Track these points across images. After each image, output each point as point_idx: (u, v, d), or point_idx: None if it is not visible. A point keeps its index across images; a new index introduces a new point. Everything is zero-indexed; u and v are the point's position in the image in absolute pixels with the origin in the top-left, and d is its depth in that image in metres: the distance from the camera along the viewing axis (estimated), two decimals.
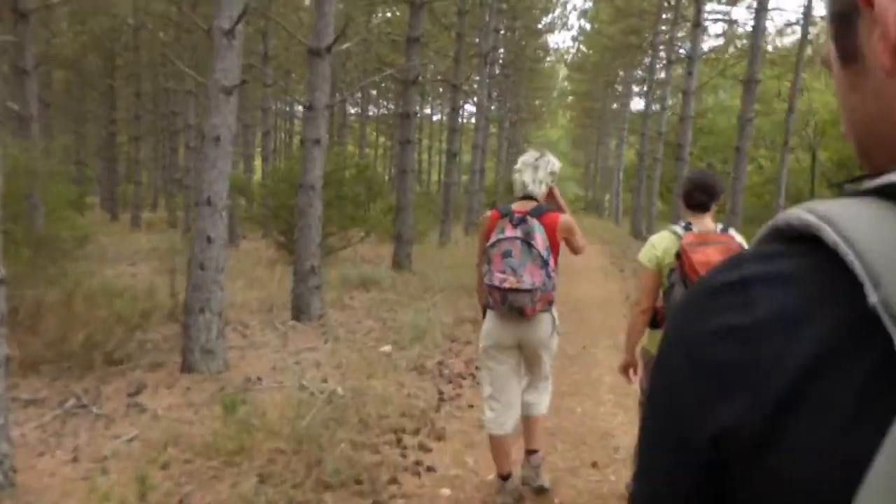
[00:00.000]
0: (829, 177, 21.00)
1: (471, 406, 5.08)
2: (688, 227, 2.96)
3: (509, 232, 3.13)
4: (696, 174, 3.22)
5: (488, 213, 3.39)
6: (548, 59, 35.80)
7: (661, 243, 3.04)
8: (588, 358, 6.80)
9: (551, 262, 3.16)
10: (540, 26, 28.48)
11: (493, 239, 3.17)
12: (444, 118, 38.32)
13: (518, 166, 3.39)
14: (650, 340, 3.23)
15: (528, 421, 3.62)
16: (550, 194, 3.43)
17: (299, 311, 7.31)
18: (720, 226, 3.02)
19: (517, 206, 3.27)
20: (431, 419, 4.76)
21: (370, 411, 4.68)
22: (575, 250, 3.41)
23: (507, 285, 3.06)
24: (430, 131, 42.04)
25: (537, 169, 3.32)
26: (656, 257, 3.03)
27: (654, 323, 3.12)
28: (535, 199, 3.30)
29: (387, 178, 29.10)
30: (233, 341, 6.44)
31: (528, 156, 3.43)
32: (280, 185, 12.25)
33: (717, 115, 24.18)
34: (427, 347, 6.61)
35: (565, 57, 40.35)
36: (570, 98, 42.82)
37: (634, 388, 3.66)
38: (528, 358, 3.46)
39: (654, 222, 19.85)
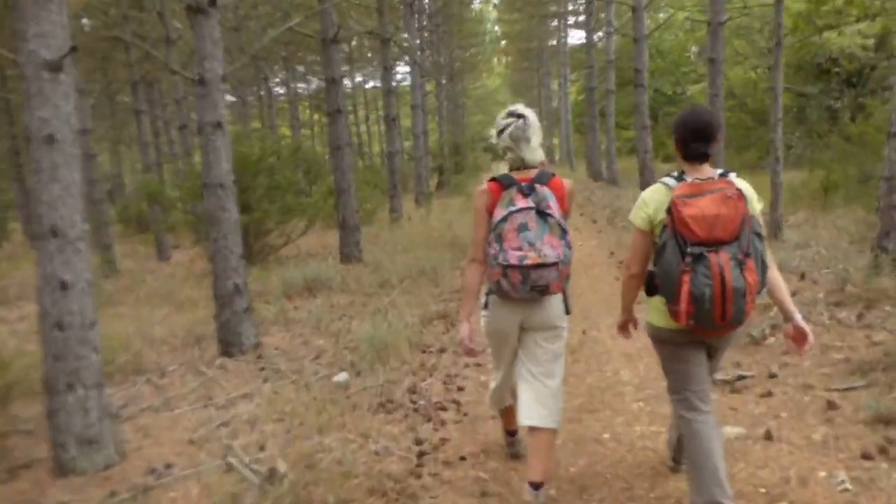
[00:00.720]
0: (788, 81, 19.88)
1: (462, 458, 3.71)
2: (680, 178, 2.64)
3: (521, 202, 2.80)
4: (688, 116, 2.70)
5: (484, 185, 2.98)
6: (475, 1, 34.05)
7: (652, 199, 2.69)
8: (595, 347, 5.48)
9: (569, 230, 2.86)
10: None
11: (501, 214, 2.81)
12: (378, 82, 36.53)
13: (506, 141, 2.97)
14: (652, 311, 2.77)
15: (533, 436, 2.98)
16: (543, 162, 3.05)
17: (228, 344, 5.81)
18: (719, 171, 2.63)
19: (518, 175, 2.93)
20: (411, 493, 3.38)
21: (325, 497, 3.28)
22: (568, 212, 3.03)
23: (529, 261, 2.72)
24: (366, 100, 40.07)
25: (530, 140, 2.95)
26: (647, 216, 2.68)
27: (650, 289, 2.70)
28: (534, 166, 2.96)
29: (327, 157, 27.30)
30: (144, 401, 4.94)
31: (513, 125, 2.95)
32: (197, 183, 10.57)
33: (662, 32, 22.84)
34: (393, 368, 5.20)
35: (493, 0, 38.64)
36: (504, 42, 41.10)
37: (663, 385, 3.03)
38: (530, 346, 3.02)
39: (615, 160, 18.54)
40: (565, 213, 2.91)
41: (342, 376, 5.04)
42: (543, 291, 2.80)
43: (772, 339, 4.93)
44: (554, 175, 2.96)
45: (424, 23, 24.17)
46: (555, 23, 34.20)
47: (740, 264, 2.36)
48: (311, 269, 9.26)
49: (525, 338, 3.03)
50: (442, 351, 5.66)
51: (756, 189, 2.69)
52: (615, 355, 5.19)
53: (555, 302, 2.96)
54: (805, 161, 16.14)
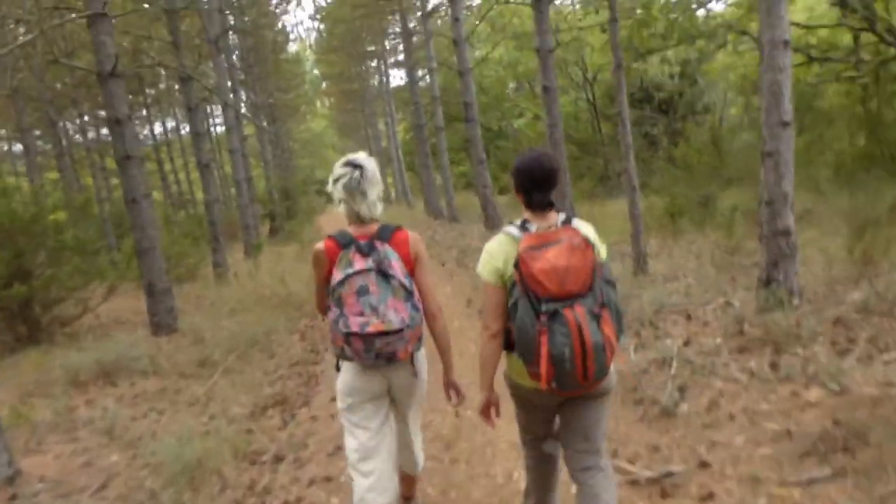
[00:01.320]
0: (605, 113, 20.55)
1: None
2: (524, 227, 2.44)
3: (359, 264, 2.57)
4: (528, 163, 2.48)
5: (320, 244, 2.72)
6: (290, 42, 32.85)
7: (499, 252, 2.46)
8: (474, 437, 4.40)
9: (415, 291, 2.64)
10: (272, 6, 25.43)
11: (339, 276, 2.57)
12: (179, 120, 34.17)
13: (340, 194, 2.72)
14: (509, 366, 2.58)
15: (404, 477, 3.15)
16: None
17: None
18: (561, 216, 2.46)
19: (356, 231, 2.70)
20: None
21: None
22: (424, 294, 2.75)
23: (371, 329, 2.52)
24: (182, 146, 37.25)
25: (366, 193, 2.71)
26: (496, 269, 2.45)
27: (508, 344, 2.47)
28: (372, 220, 2.75)
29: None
30: None
31: (347, 177, 2.70)
32: None
33: (482, 69, 22.93)
34: (209, 497, 3.84)
35: (309, 42, 37.65)
36: (325, 84, 40.13)
37: None
38: (398, 409, 2.94)
39: (454, 196, 17.98)
40: (412, 269, 2.70)
41: None
42: (391, 359, 2.62)
43: (685, 407, 4.10)
44: (398, 229, 2.74)
45: (236, 62, 22.64)
46: (374, 63, 33.79)
47: (596, 318, 2.24)
48: (111, 347, 7.52)
49: (394, 411, 2.95)
50: (279, 460, 4.35)
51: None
52: (503, 447, 4.16)
53: (417, 363, 2.83)
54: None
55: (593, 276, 2.27)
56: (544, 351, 2.19)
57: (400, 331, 2.54)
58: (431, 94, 17.88)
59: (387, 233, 2.69)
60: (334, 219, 36.43)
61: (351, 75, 34.41)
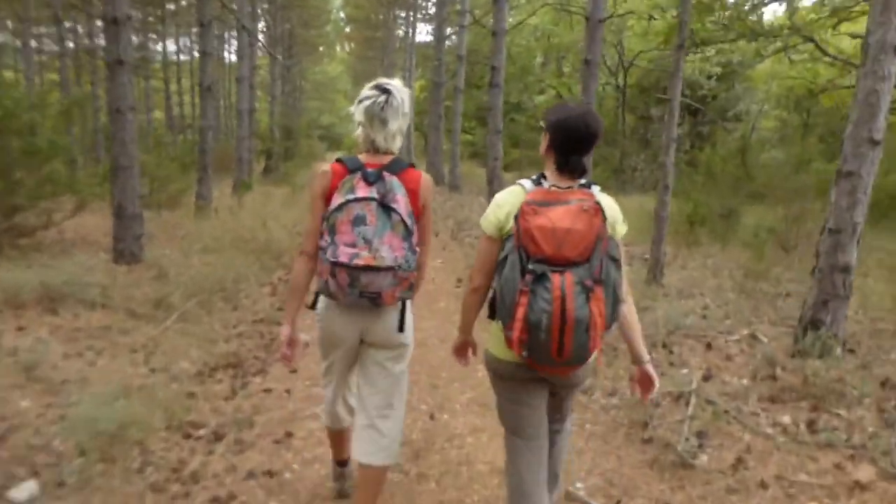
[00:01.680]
0: (631, 104, 19.71)
1: None
2: (538, 181, 2.22)
3: (362, 191, 2.34)
4: (570, 117, 2.20)
5: (326, 166, 2.50)
6: None
7: (506, 202, 2.24)
8: (449, 451, 3.74)
9: (415, 232, 2.40)
10: None
11: (338, 201, 2.35)
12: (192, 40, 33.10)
13: (360, 116, 2.47)
14: (492, 338, 2.35)
15: (363, 471, 2.62)
16: None
17: None
18: (581, 181, 2.22)
19: (367, 159, 2.48)
20: None
21: None
22: (422, 239, 2.51)
23: (359, 262, 2.29)
24: (191, 69, 36.06)
25: (386, 122, 2.46)
26: (498, 221, 2.24)
27: (492, 310, 2.25)
28: (388, 152, 2.52)
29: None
30: None
31: (371, 100, 2.44)
32: None
33: (514, 36, 21.93)
34: (125, 472, 3.17)
35: None
36: (349, 28, 38.88)
37: None
38: (368, 366, 2.64)
39: (459, 164, 17.17)
40: (417, 213, 2.46)
41: (25, 491, 2.94)
42: (375, 300, 2.38)
43: (704, 459, 3.43)
44: (411, 166, 2.51)
45: None
46: (402, 14, 32.64)
47: (587, 290, 1.98)
48: (63, 269, 6.81)
49: (364, 355, 2.65)
50: (218, 438, 3.67)
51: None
52: (480, 466, 3.49)
53: (398, 314, 2.55)
54: (650, 185, 15.70)
55: (595, 246, 2.02)
56: (521, 313, 2.00)
57: (391, 269, 2.31)
58: (457, 53, 16.94)
59: (399, 166, 2.46)
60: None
61: (377, 22, 33.26)
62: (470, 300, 2.36)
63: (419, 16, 30.62)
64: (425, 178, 2.53)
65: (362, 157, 2.50)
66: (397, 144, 2.54)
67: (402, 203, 2.36)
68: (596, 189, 2.21)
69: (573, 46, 19.32)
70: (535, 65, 25.66)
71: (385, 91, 2.46)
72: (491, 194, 12.40)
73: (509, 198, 2.24)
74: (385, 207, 2.34)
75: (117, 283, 6.47)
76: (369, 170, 2.41)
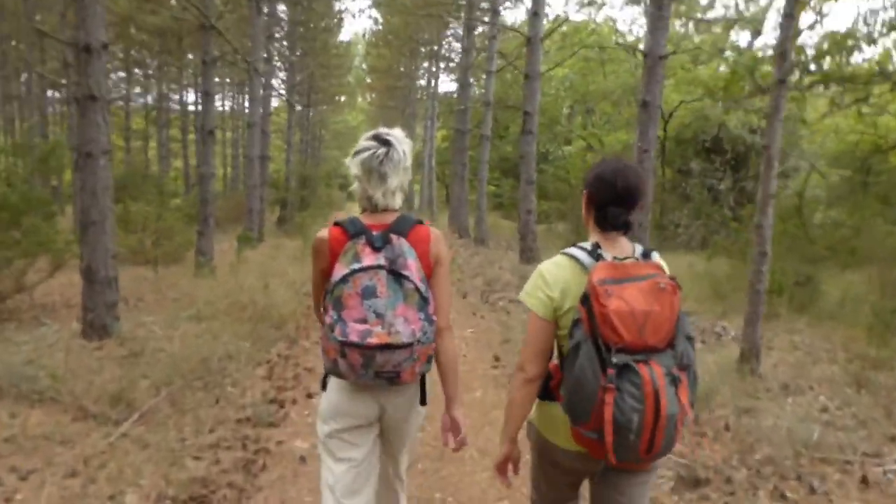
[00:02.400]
0: (669, 157, 18.48)
1: None
2: (596, 253, 1.94)
3: (368, 259, 2.08)
4: (611, 171, 1.99)
5: (324, 231, 2.24)
6: (341, 30, 31.14)
7: (557, 279, 1.96)
8: None
9: (431, 300, 2.13)
10: None
11: (342, 272, 2.07)
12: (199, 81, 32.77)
13: (357, 170, 2.22)
14: (543, 417, 2.09)
15: None
16: None
17: None
18: (638, 248, 2.01)
19: (369, 220, 2.21)
20: None
21: None
22: (439, 304, 2.22)
23: (373, 340, 2.00)
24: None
25: (386, 177, 2.20)
26: (549, 299, 1.96)
27: (545, 391, 2.03)
28: (390, 210, 2.26)
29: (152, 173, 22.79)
30: None
31: (369, 152, 2.19)
32: None
33: (544, 84, 20.97)
34: None
35: (363, 35, 36.02)
36: (370, 78, 38.38)
37: None
38: (388, 443, 2.41)
39: (485, 216, 15.95)
40: (429, 276, 2.17)
41: None
42: (393, 380, 2.08)
43: None
44: (418, 223, 2.23)
45: (278, 34, 20.86)
46: (426, 63, 32.03)
47: (675, 381, 1.74)
48: (21, 346, 5.59)
49: (385, 435, 2.37)
50: None
51: None
52: None
53: (412, 390, 2.26)
54: (696, 244, 14.36)
55: (676, 329, 1.78)
56: (608, 415, 1.69)
57: (409, 346, 2.02)
58: (484, 99, 15.89)
59: (405, 225, 2.18)
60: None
61: (399, 72, 32.68)
62: (522, 394, 2.00)
63: (442, 66, 29.93)
64: (435, 234, 2.25)
65: (363, 219, 2.21)
66: (398, 202, 2.24)
67: (413, 269, 2.10)
68: (657, 256, 2.00)
69: (608, 95, 18.20)
70: (561, 115, 24.68)
71: (385, 143, 2.19)
72: (524, 251, 11.13)
73: (561, 273, 1.95)
74: (396, 275, 2.06)
75: (81, 366, 5.21)
76: (375, 233, 2.13)
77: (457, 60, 24.96)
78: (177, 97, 31.82)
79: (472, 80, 19.34)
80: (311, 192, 21.67)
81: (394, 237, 2.13)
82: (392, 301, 2.04)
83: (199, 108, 15.40)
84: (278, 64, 24.36)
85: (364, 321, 2.02)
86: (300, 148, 31.12)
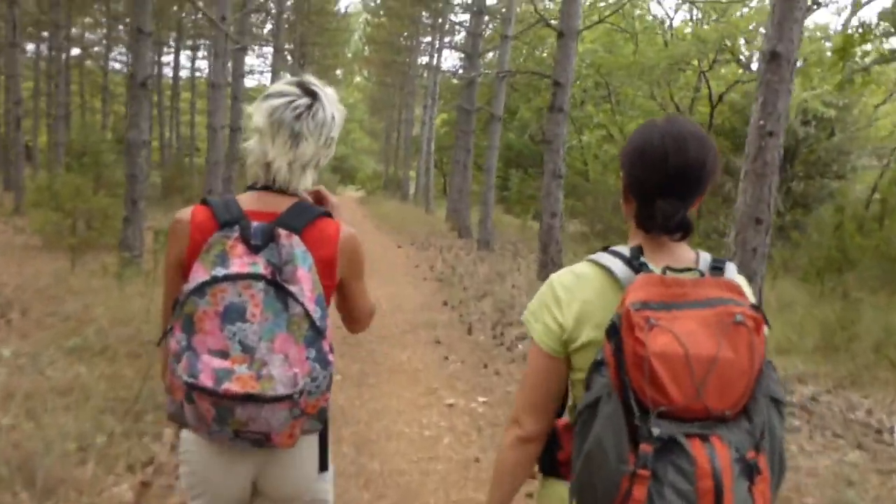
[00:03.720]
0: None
1: None
2: (637, 262, 1.25)
3: (240, 263, 1.42)
4: (657, 134, 1.27)
5: (185, 211, 1.58)
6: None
7: (574, 294, 1.31)
8: None
9: (328, 331, 1.46)
10: None
11: (198, 277, 1.41)
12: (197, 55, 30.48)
13: (259, 119, 1.56)
14: (542, 496, 1.42)
15: None
16: (318, 194, 1.70)
17: None
18: (705, 257, 1.32)
19: (253, 203, 1.55)
20: None
21: None
22: (353, 316, 1.75)
23: (232, 387, 1.35)
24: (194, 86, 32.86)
25: (301, 138, 1.54)
26: (559, 327, 1.31)
27: (548, 465, 1.40)
28: (289, 193, 1.59)
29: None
30: None
31: (284, 98, 1.54)
32: None
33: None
34: None
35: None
36: (367, 50, 35.66)
37: None
38: None
39: (491, 213, 13.43)
40: (331, 290, 1.57)
41: None
42: (260, 443, 1.44)
43: None
44: (324, 216, 1.57)
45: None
46: (428, 39, 29.43)
47: (750, 471, 1.08)
48: None
49: None
50: None
51: None
52: None
53: (307, 453, 1.60)
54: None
55: (756, 387, 1.11)
56: None
57: (286, 398, 1.36)
58: (497, 71, 13.29)
59: (303, 217, 1.52)
60: (344, 204, 31.84)
61: (399, 45, 30.11)
62: (514, 457, 1.36)
63: (446, 41, 27.29)
64: (346, 235, 1.58)
65: (245, 200, 1.54)
66: (306, 183, 1.59)
67: (306, 283, 1.42)
68: (733, 270, 1.27)
69: (650, 69, 15.55)
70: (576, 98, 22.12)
71: (310, 93, 1.54)
72: (545, 265, 8.65)
73: (581, 289, 1.28)
74: (279, 290, 1.39)
75: None
76: (255, 224, 1.45)
77: (462, 33, 22.33)
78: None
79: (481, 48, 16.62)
80: None
81: (282, 233, 1.43)
82: (269, 329, 1.38)
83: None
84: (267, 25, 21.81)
85: (224, 355, 1.36)
86: None
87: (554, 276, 1.37)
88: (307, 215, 1.53)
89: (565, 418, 1.41)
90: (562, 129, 8.52)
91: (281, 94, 1.54)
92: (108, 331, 5.41)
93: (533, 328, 1.35)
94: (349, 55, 40.04)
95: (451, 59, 37.41)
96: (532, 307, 1.37)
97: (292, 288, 1.41)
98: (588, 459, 1.13)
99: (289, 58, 28.80)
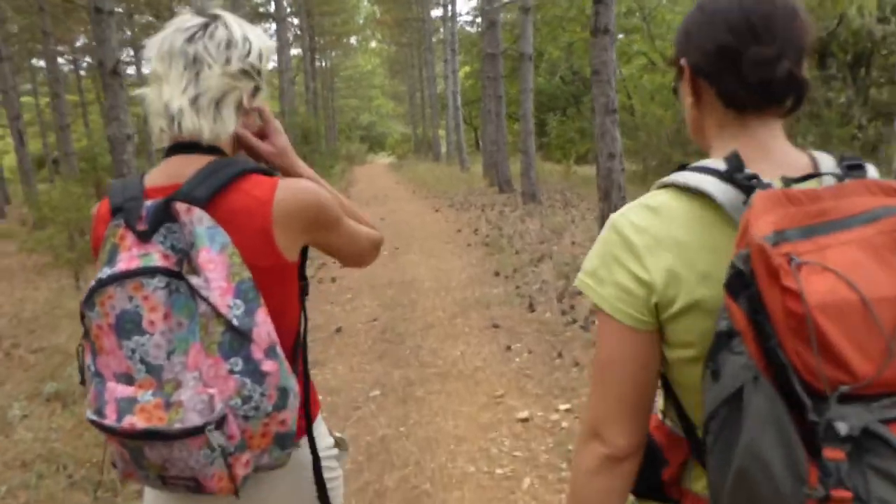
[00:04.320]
0: None
1: None
2: (743, 175, 0.85)
3: (127, 257, 1.10)
4: None
5: (95, 205, 1.28)
6: None
7: (657, 236, 0.91)
8: None
9: (256, 331, 1.08)
10: None
11: (91, 284, 1.11)
12: None
13: (151, 63, 1.21)
14: None
15: None
16: (250, 139, 1.30)
17: None
18: (823, 157, 0.93)
19: (158, 177, 1.20)
20: None
21: None
22: (345, 262, 1.40)
23: (134, 422, 1.05)
24: None
25: (199, 64, 1.17)
26: (641, 286, 0.91)
27: (648, 484, 1.02)
28: (209, 149, 1.20)
29: None
30: None
31: (171, 28, 1.21)
32: None
33: None
34: None
35: None
36: (378, 9, 34.08)
37: None
38: None
39: (534, 164, 12.10)
40: (269, 275, 1.15)
41: None
42: (196, 490, 1.11)
43: None
44: (247, 173, 1.17)
45: None
46: None
47: None
48: None
49: None
50: None
51: None
52: None
53: (281, 490, 1.25)
54: None
55: None
56: None
57: (197, 431, 1.03)
58: (521, 4, 11.83)
59: (211, 182, 1.12)
60: (376, 172, 30.99)
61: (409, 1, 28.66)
62: (600, 485, 0.97)
63: None
64: (286, 195, 1.16)
65: (152, 173, 1.20)
66: (226, 127, 1.19)
67: (218, 271, 1.07)
68: (872, 171, 0.91)
69: None
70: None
71: (207, 17, 1.21)
72: (606, 215, 7.40)
73: (663, 227, 0.91)
74: (185, 287, 1.07)
75: None
76: (147, 203, 1.12)
77: None
78: None
79: None
80: (313, 147, 17.96)
81: (181, 209, 1.09)
82: (182, 338, 1.06)
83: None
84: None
85: (129, 379, 1.08)
86: (307, 98, 27.48)
87: (617, 216, 0.95)
88: (218, 178, 1.11)
89: (656, 416, 1.05)
90: (609, 55, 7.18)
91: (172, 25, 1.20)
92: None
93: (599, 294, 0.93)
94: (360, 21, 38.64)
95: (465, 7, 35.74)
96: (592, 264, 0.96)
97: (193, 280, 1.05)
98: (740, 481, 0.75)
99: (297, 31, 27.62)
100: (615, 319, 0.93)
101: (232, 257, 1.09)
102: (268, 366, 1.07)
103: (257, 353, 1.06)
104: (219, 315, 1.05)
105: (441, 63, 27.21)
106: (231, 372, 1.04)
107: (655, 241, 0.90)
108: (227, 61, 1.17)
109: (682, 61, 0.98)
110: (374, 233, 1.41)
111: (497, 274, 6.80)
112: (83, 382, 1.15)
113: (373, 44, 45.95)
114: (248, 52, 1.20)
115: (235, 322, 1.05)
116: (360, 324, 5.54)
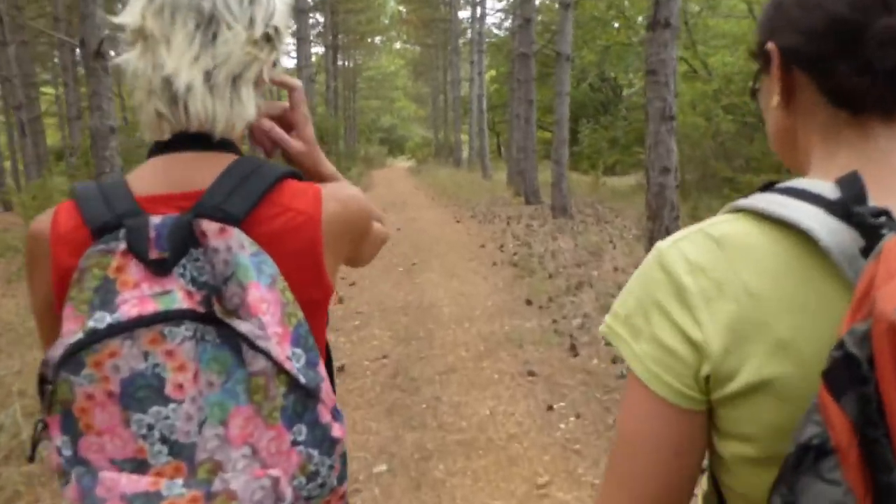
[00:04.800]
0: None
1: None
2: (865, 210, 0.55)
3: (136, 300, 0.75)
4: None
5: (43, 219, 0.85)
6: None
7: (721, 280, 0.62)
8: None
9: (327, 387, 0.80)
10: None
11: (69, 337, 0.73)
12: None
13: (134, 20, 0.82)
14: None
15: None
16: (279, 133, 0.99)
17: None
18: None
19: (154, 182, 0.84)
20: None
21: None
22: (359, 262, 1.09)
23: None
24: None
25: (216, 23, 0.82)
26: (690, 348, 0.62)
27: None
28: (222, 144, 0.86)
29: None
30: None
31: None
32: None
33: None
34: None
35: None
36: (403, 8, 33.32)
37: None
38: None
39: (565, 175, 11.14)
40: (318, 308, 0.89)
41: None
42: None
43: None
44: (287, 176, 0.86)
45: None
46: None
47: None
48: None
49: None
50: None
51: None
52: None
53: None
54: None
55: None
56: None
57: None
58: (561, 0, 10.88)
59: (247, 191, 0.82)
60: (395, 176, 30.15)
61: (438, 1, 27.93)
62: None
63: None
64: (335, 206, 0.89)
65: (140, 177, 0.86)
66: (246, 112, 0.86)
67: (272, 312, 0.77)
68: None
69: None
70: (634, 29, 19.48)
71: None
72: (655, 237, 6.44)
73: (731, 268, 0.62)
74: (225, 330, 0.76)
75: None
76: (156, 220, 0.79)
77: None
78: None
79: None
80: (330, 147, 17.16)
81: (209, 229, 0.78)
82: (218, 402, 0.76)
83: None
84: None
85: (140, 466, 0.77)
86: (327, 98, 26.76)
87: (667, 247, 0.68)
88: (252, 186, 0.82)
89: None
90: (670, 52, 6.21)
91: None
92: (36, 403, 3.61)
93: (631, 350, 0.67)
94: (385, 21, 37.98)
95: (492, 16, 34.99)
96: (625, 307, 0.69)
97: (242, 327, 0.75)
98: None
99: (320, 28, 26.93)
100: (648, 389, 0.66)
101: (284, 293, 0.80)
102: (337, 430, 0.82)
103: (325, 416, 0.81)
104: (281, 371, 0.76)
105: (466, 65, 26.37)
106: (294, 444, 0.78)
107: (717, 286, 0.63)
108: (252, 22, 0.85)
109: (770, 45, 0.69)
110: (384, 228, 1.14)
111: (529, 303, 5.86)
112: (32, 459, 0.83)
113: (397, 44, 45.35)
114: (273, 11, 0.89)
115: (301, 377, 0.78)
116: (367, 360, 4.64)
